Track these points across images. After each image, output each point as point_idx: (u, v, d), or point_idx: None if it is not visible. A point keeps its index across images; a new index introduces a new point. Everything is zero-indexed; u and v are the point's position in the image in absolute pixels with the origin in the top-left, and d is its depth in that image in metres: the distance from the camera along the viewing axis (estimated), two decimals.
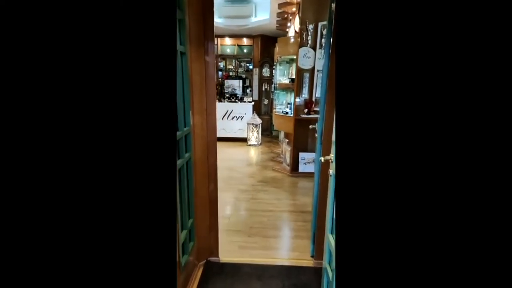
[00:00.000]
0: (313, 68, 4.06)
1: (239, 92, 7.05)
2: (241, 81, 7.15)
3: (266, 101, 7.34)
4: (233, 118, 6.46)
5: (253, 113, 6.35)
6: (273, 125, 5.91)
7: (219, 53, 7.60)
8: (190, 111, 1.83)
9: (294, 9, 4.53)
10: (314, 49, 3.98)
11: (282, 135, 5.53)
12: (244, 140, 6.32)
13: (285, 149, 4.75)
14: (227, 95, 6.88)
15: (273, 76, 6.47)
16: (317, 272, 2.10)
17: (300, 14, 3.96)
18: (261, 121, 6.27)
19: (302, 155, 4.30)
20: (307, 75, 4.13)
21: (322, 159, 1.67)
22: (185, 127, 1.74)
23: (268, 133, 7.27)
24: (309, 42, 3.94)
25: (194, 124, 1.91)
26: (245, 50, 7.73)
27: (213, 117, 2.06)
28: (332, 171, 1.46)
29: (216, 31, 6.67)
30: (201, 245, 2.14)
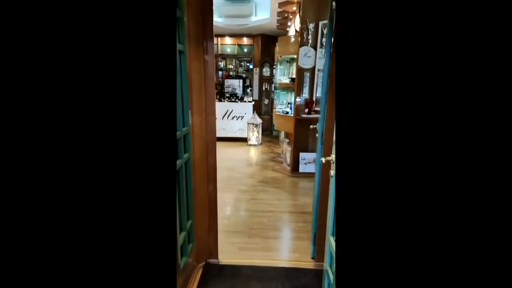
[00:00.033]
0: (314, 67, 4.03)
1: (239, 91, 7.02)
2: (241, 80, 7.12)
3: (266, 101, 7.31)
4: (233, 118, 6.44)
5: (253, 112, 6.32)
6: (274, 125, 5.89)
7: (219, 52, 7.57)
8: (189, 111, 1.80)
9: (294, 8, 4.50)
10: (315, 48, 3.95)
11: (282, 135, 5.51)
12: (244, 140, 6.29)
13: (286, 149, 4.73)
14: (227, 95, 6.85)
15: (274, 75, 6.44)
16: (318, 274, 2.07)
17: (301, 13, 3.93)
18: (261, 121, 6.24)
19: (302, 155, 4.27)
20: (307, 74, 4.10)
21: (323, 159, 1.64)
22: (183, 127, 1.72)
23: (269, 133, 7.24)
24: (310, 41, 3.91)
25: (193, 124, 1.89)
26: (245, 50, 7.71)
27: (212, 117, 2.03)
28: (333, 172, 1.43)
29: (216, 31, 6.65)
30: (200, 246, 2.11)
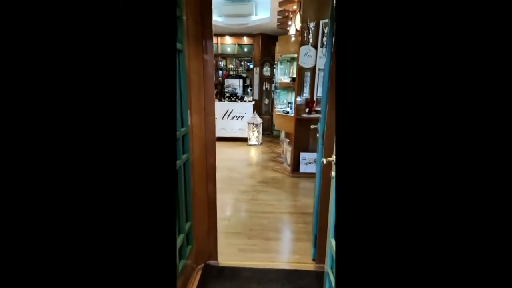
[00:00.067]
0: (314, 67, 4.00)
1: (239, 91, 6.99)
2: (241, 80, 7.09)
3: (266, 101, 7.28)
4: (233, 117, 6.41)
5: (253, 112, 6.29)
6: (274, 125, 5.86)
7: (220, 52, 7.55)
8: (188, 111, 1.77)
9: (295, 7, 4.47)
10: (316, 47, 3.92)
11: (282, 135, 5.48)
12: (244, 140, 6.27)
13: (286, 149, 4.70)
14: (228, 95, 6.82)
15: (274, 75, 6.41)
16: (319, 276, 2.05)
17: (301, 12, 3.90)
18: (261, 121, 6.21)
19: (303, 155, 4.24)
20: (308, 74, 4.08)
21: (324, 160, 1.62)
22: (182, 127, 1.69)
23: (269, 132, 7.21)
24: (310, 40, 3.88)
25: (192, 124, 1.86)
26: (245, 49, 7.68)
27: (211, 117, 2.00)
28: (334, 173, 1.41)
29: (216, 30, 6.56)
30: (200, 248, 2.08)
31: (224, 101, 6.53)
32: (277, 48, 5.35)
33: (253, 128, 6.10)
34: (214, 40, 7.40)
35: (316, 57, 3.95)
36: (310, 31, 3.85)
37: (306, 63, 3.96)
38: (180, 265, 1.71)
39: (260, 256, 2.31)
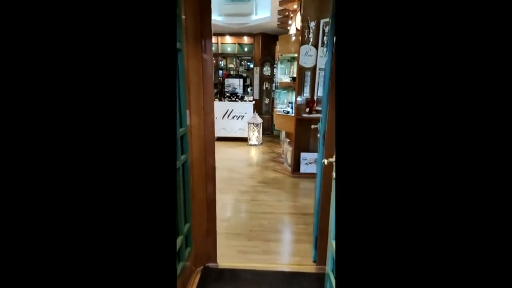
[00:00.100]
0: (315, 66, 3.97)
1: (239, 91, 6.96)
2: (241, 80, 7.07)
3: (267, 100, 7.25)
4: (233, 117, 6.38)
5: (253, 112, 6.26)
6: (274, 125, 5.83)
7: (220, 51, 7.52)
8: (187, 111, 1.74)
9: (295, 6, 4.44)
10: (316, 47, 3.89)
11: (283, 135, 5.45)
12: (244, 139, 6.24)
13: (286, 149, 4.67)
14: (228, 94, 6.79)
15: (274, 74, 6.38)
16: (319, 278, 2.02)
17: (302, 11, 3.87)
18: (261, 121, 6.19)
19: (303, 155, 4.22)
20: (308, 73, 4.04)
21: (325, 161, 1.59)
22: (181, 127, 1.66)
23: (269, 132, 7.18)
24: (311, 39, 3.85)
25: (191, 124, 1.83)
26: (245, 49, 7.65)
27: (211, 117, 1.97)
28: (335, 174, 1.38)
29: (216, 29, 6.55)
30: (199, 250, 2.06)
31: (224, 101, 6.50)
32: (278, 48, 5.32)
33: (253, 128, 6.07)
34: (214, 39, 7.43)
35: (317, 57, 3.93)
36: (310, 30, 3.82)
37: (307, 62, 3.94)
38: (179, 267, 1.68)
39: (260, 258, 2.29)
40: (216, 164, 2.07)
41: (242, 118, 6.35)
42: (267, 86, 7.19)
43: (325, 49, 3.79)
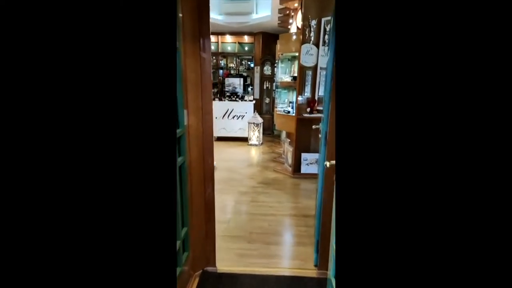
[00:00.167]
0: (316, 65, 3.92)
1: (240, 90, 6.91)
2: (242, 79, 7.01)
3: (267, 100, 7.19)
4: (233, 117, 6.33)
5: (254, 112, 6.21)
6: (275, 125, 5.78)
7: (220, 51, 7.47)
8: (185, 111, 1.69)
9: (296, 5, 4.38)
10: (317, 46, 3.84)
11: (283, 134, 5.40)
12: (245, 139, 6.19)
13: (287, 149, 4.62)
14: (228, 94, 6.73)
15: (275, 74, 6.33)
16: (321, 283, 1.97)
17: (303, 10, 3.82)
18: (262, 120, 6.13)
19: (304, 155, 4.16)
20: (309, 72, 3.99)
21: (328, 164, 1.53)
22: (178, 128, 1.61)
23: (270, 132, 7.13)
24: (312, 38, 3.80)
25: (189, 124, 1.78)
26: (246, 48, 7.59)
27: (209, 117, 1.92)
28: None
29: (216, 29, 6.51)
30: (197, 253, 2.00)
31: (224, 101, 6.44)
32: (278, 47, 5.26)
33: (253, 127, 6.02)
34: (215, 39, 7.38)
35: (318, 56, 3.87)
36: (311, 29, 3.76)
37: (308, 61, 3.88)
38: (176, 272, 1.63)
39: (260, 262, 2.23)
40: (216, 165, 2.02)
41: (242, 118, 6.30)
42: (267, 85, 7.13)
43: (326, 48, 3.74)
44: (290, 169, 4.33)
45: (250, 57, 7.50)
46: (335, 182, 1.37)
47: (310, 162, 4.16)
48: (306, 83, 4.02)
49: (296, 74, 4.19)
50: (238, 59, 7.66)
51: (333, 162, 1.45)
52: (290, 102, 4.65)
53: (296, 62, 4.18)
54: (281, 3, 4.52)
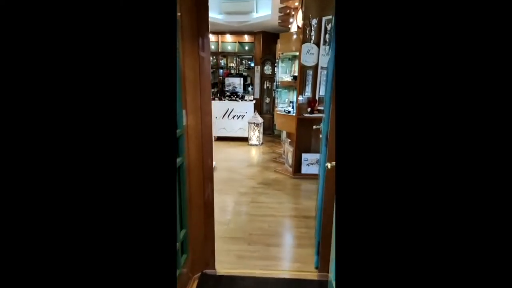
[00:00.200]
0: (317, 65, 3.88)
1: (240, 90, 6.88)
2: (242, 79, 6.98)
3: (267, 100, 7.16)
4: (233, 117, 6.30)
5: (254, 112, 6.18)
6: (275, 125, 5.75)
7: (220, 50, 7.43)
8: (184, 111, 1.66)
9: (296, 4, 4.35)
10: (318, 45, 3.81)
11: (284, 135, 5.37)
12: (245, 139, 6.16)
13: (287, 150, 4.58)
14: (228, 94, 6.70)
15: (275, 73, 6.29)
16: (322, 285, 1.94)
17: (303, 9, 3.78)
18: (262, 120, 6.10)
19: (305, 156, 4.13)
20: (310, 72, 3.96)
21: (329, 165, 1.50)
22: (176, 129, 1.58)
23: (270, 132, 7.10)
24: (313, 38, 3.76)
25: (187, 125, 1.75)
26: (246, 47, 7.55)
27: (208, 117, 1.89)
28: None
29: (216, 28, 6.47)
30: (196, 256, 1.97)
31: (224, 100, 6.41)
32: (278, 46, 5.22)
33: (253, 127, 5.99)
34: (215, 38, 7.35)
35: (319, 55, 3.84)
36: (312, 28, 3.73)
37: (308, 61, 3.85)
38: None
39: (260, 264, 2.20)
40: (216, 165, 2.00)
41: (242, 118, 6.27)
42: (268, 85, 7.10)
43: (327, 47, 3.71)
44: (290, 169, 4.30)
45: (250, 56, 7.47)
46: (335, 183, 1.34)
47: (311, 163, 4.12)
48: (307, 83, 3.99)
49: (296, 74, 4.15)
50: (238, 58, 7.62)
51: (334, 163, 1.42)
52: (290, 102, 4.62)
53: (297, 62, 4.15)
54: (281, 2, 4.48)
